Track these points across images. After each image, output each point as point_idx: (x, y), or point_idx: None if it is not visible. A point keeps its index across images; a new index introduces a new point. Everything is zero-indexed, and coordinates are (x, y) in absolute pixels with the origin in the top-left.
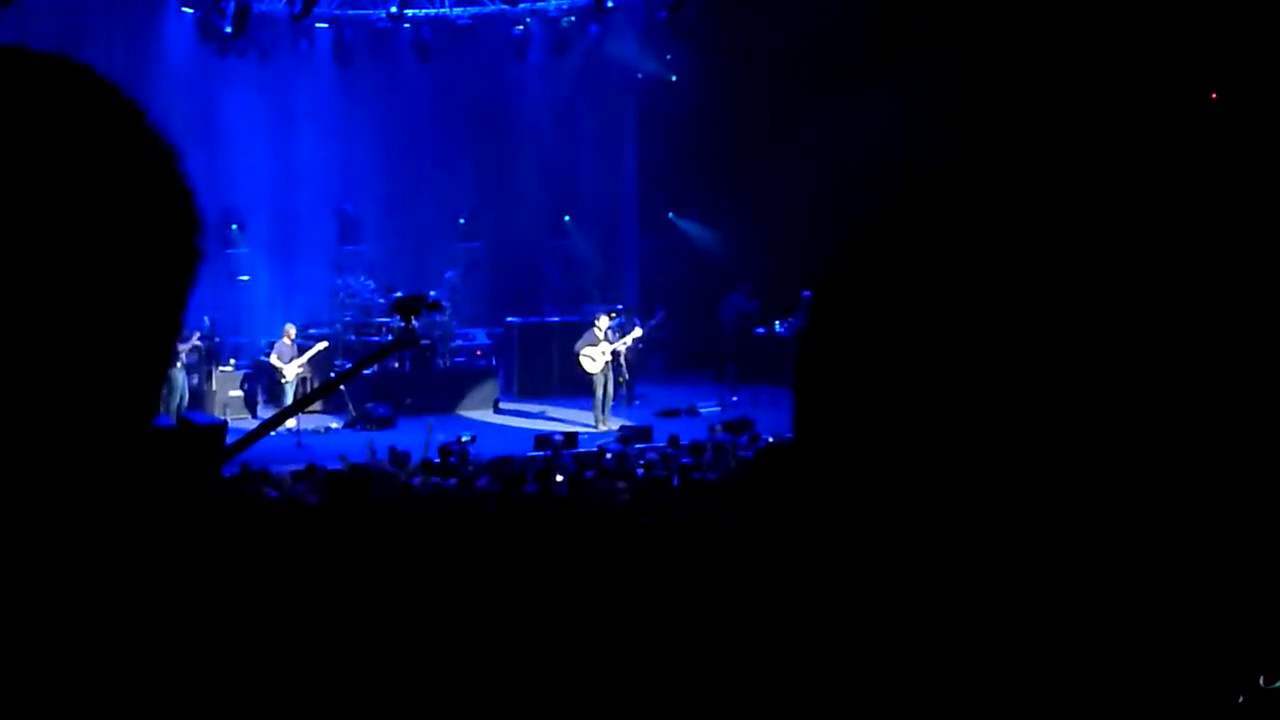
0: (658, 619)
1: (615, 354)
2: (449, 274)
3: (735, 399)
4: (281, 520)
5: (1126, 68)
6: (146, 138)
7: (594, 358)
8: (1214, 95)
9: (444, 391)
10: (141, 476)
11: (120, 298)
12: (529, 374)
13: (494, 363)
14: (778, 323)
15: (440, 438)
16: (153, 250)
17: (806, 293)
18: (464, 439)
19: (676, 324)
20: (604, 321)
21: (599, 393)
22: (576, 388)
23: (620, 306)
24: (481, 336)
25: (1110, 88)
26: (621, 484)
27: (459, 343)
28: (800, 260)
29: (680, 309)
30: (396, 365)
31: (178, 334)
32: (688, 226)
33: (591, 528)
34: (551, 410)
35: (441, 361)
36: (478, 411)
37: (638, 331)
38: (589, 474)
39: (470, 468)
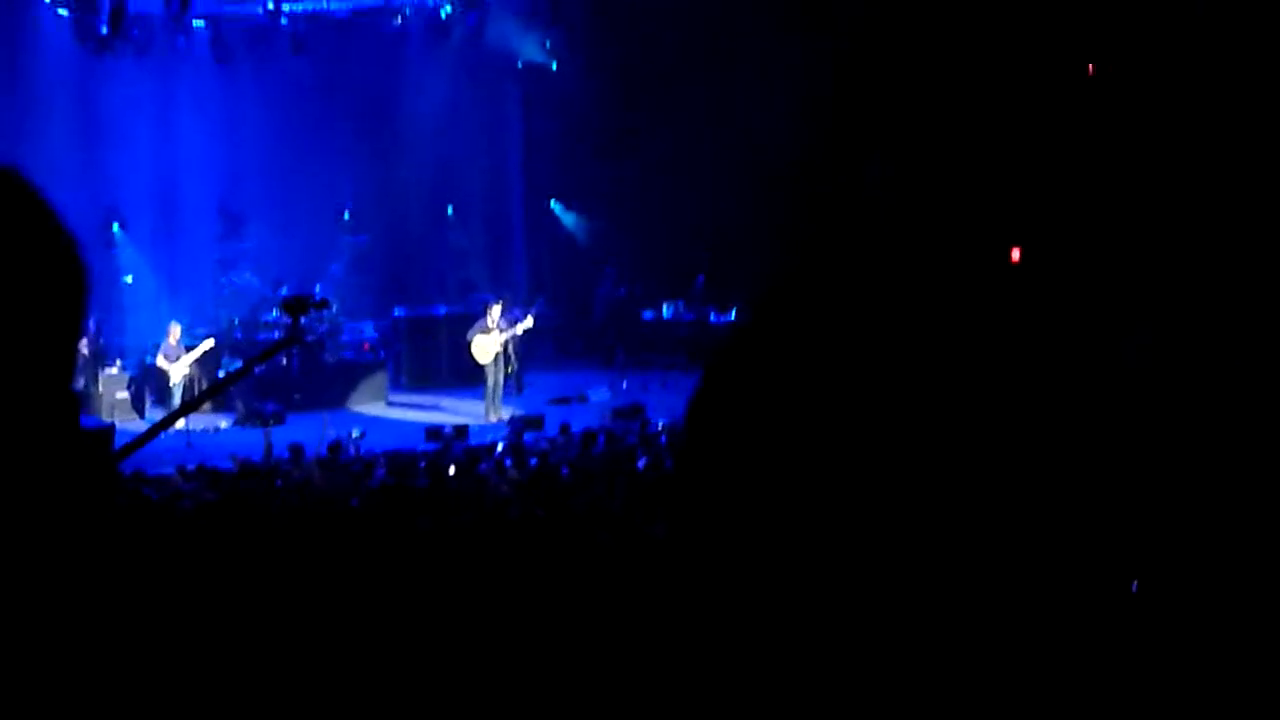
0: (556, 610)
1: (504, 343)
2: (334, 268)
3: (625, 385)
4: (167, 523)
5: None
6: (37, 209)
7: (486, 347)
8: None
9: (334, 386)
10: (38, 475)
11: (19, 320)
12: (418, 366)
13: (382, 355)
14: (665, 305)
15: (331, 433)
16: (43, 287)
17: (700, 278)
18: (355, 434)
19: (562, 311)
20: (496, 311)
21: (490, 382)
22: (467, 379)
23: (507, 295)
24: (369, 330)
25: (967, 70)
26: (514, 474)
27: (346, 337)
28: (683, 243)
29: (565, 296)
30: (284, 361)
31: (73, 343)
32: (563, 214)
33: (486, 521)
34: (443, 401)
35: (329, 357)
36: (368, 405)
37: (529, 321)
38: (482, 466)
39: (359, 464)
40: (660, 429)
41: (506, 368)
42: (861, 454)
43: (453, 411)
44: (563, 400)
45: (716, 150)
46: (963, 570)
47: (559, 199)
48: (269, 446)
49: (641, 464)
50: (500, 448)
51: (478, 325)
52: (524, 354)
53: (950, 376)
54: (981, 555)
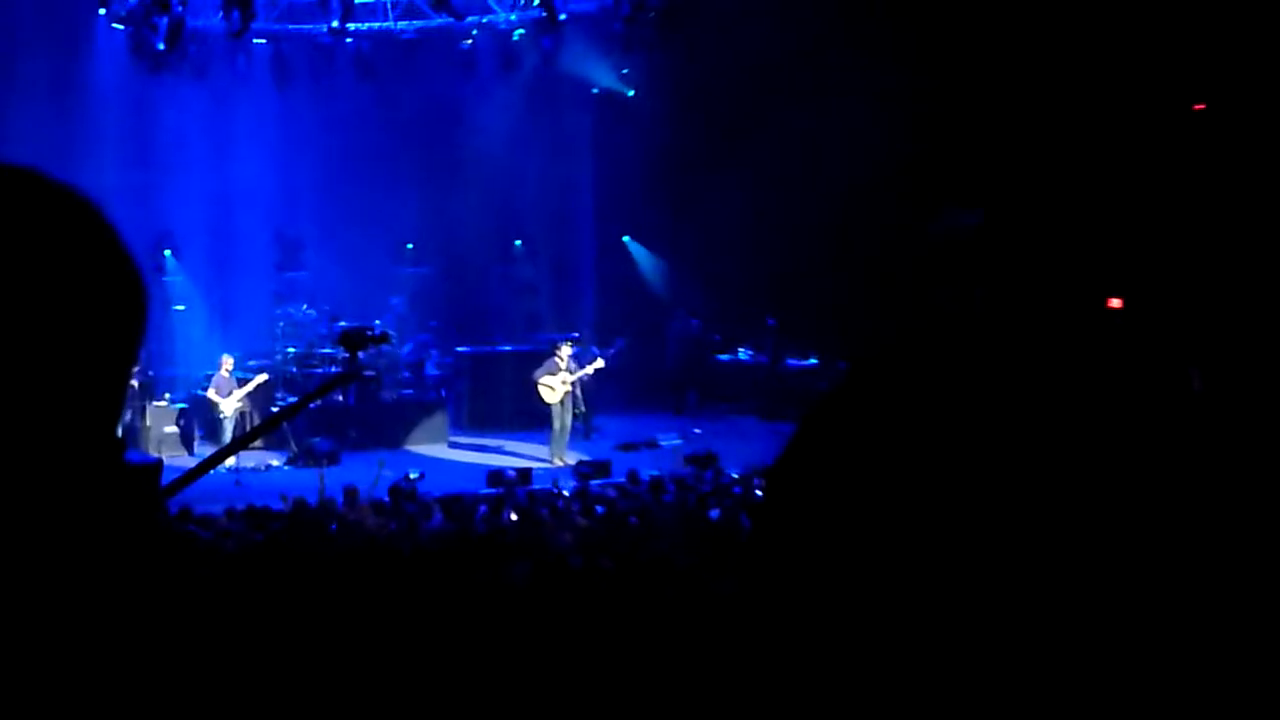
0: (623, 662)
1: (573, 384)
2: (395, 301)
3: (698, 430)
4: (215, 565)
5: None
6: (103, 234)
7: (554, 388)
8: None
9: (391, 426)
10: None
11: (77, 346)
12: (481, 406)
13: (444, 394)
14: (741, 349)
15: (389, 474)
16: (103, 313)
17: (771, 320)
18: (412, 476)
19: (634, 352)
20: (565, 350)
21: (557, 425)
22: (531, 420)
23: (577, 335)
24: (430, 367)
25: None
26: (580, 521)
27: (406, 374)
28: (758, 284)
29: (637, 336)
30: (340, 398)
31: (128, 373)
32: (637, 251)
33: (547, 570)
34: (506, 444)
35: (388, 394)
36: (427, 446)
37: (600, 362)
38: (543, 511)
39: (415, 505)
40: (734, 479)
41: (574, 410)
42: (964, 555)
43: (516, 454)
44: (632, 446)
45: (796, 188)
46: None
47: (632, 234)
48: (322, 487)
49: (714, 515)
50: (565, 494)
51: (546, 365)
52: (592, 396)
53: (1078, 472)
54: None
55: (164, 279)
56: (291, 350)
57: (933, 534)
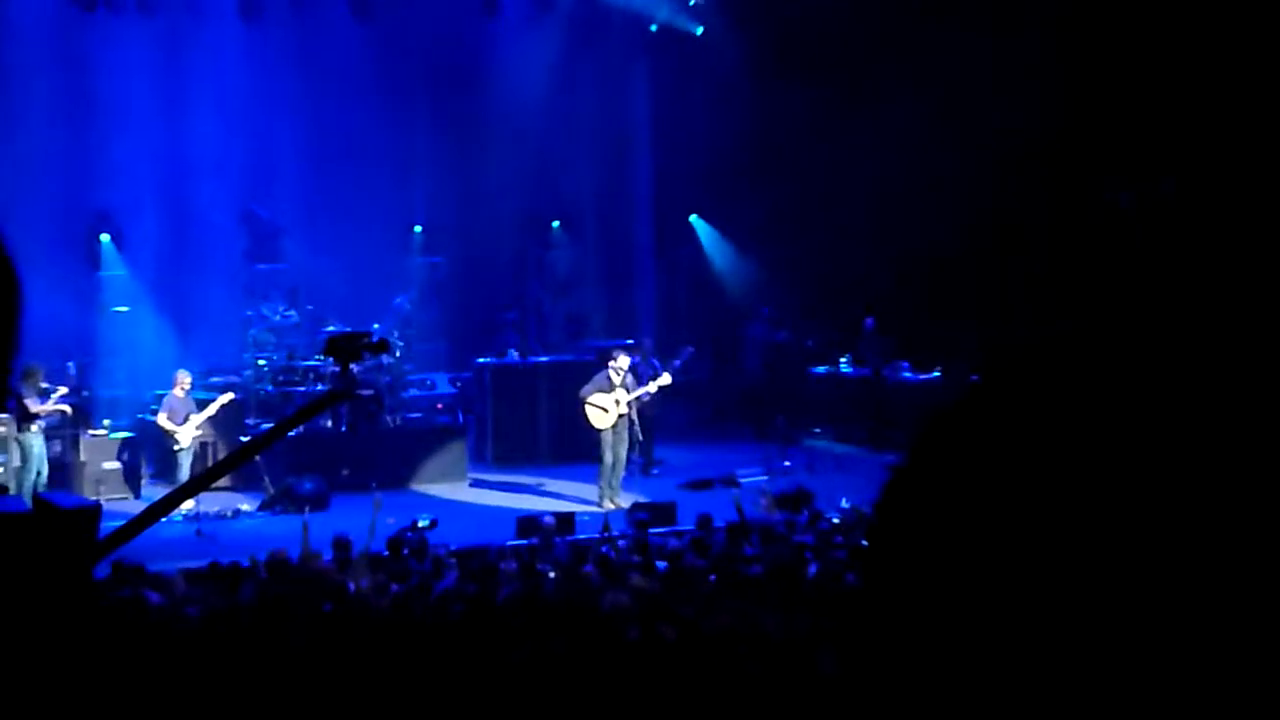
0: None
1: (631, 405)
2: (399, 300)
3: (788, 463)
4: (169, 639)
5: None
6: None
7: (605, 409)
8: None
9: (394, 459)
10: None
11: None
12: (510, 433)
13: (461, 419)
14: (842, 360)
15: (390, 521)
16: None
17: (870, 321)
18: (421, 523)
19: (704, 364)
20: (621, 361)
21: (608, 458)
22: (574, 451)
23: (634, 341)
24: (444, 383)
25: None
26: (636, 580)
27: (414, 393)
28: (855, 276)
29: (708, 343)
30: (329, 424)
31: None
32: (707, 233)
33: (594, 644)
34: (543, 482)
35: (390, 419)
36: (440, 485)
37: (665, 377)
38: (588, 568)
39: (425, 561)
40: (835, 524)
41: (630, 439)
42: (1127, 609)
43: (555, 495)
44: (703, 484)
45: (902, 159)
46: None
47: (700, 213)
48: (305, 539)
49: (811, 571)
50: (618, 545)
51: (595, 380)
52: (653, 420)
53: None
54: None
55: (99, 274)
56: (266, 363)
57: (1092, 606)
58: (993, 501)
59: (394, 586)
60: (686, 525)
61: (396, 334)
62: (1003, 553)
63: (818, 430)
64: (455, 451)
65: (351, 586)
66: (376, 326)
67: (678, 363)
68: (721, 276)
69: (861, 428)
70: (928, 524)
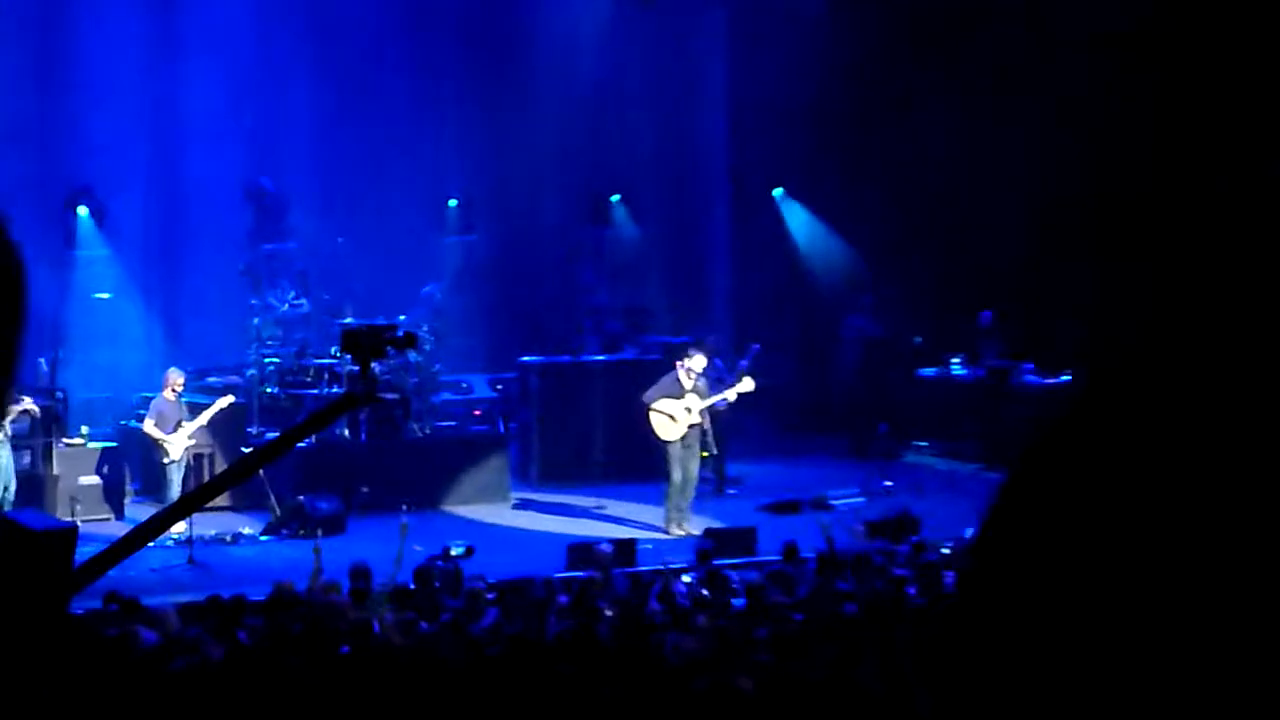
0: None
1: (704, 414)
2: (429, 288)
3: (889, 483)
4: (162, 681)
5: None
6: None
7: (675, 418)
8: None
9: (423, 475)
10: None
11: None
12: (560, 445)
13: (502, 428)
14: (954, 361)
15: (418, 549)
16: None
17: (986, 315)
18: (454, 551)
19: (787, 363)
20: (697, 361)
21: (676, 475)
22: (635, 468)
23: (710, 338)
24: (482, 386)
25: None
26: (706, 621)
27: (446, 396)
28: (988, 262)
29: (792, 340)
30: (347, 434)
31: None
32: (793, 212)
33: (656, 695)
34: (595, 503)
35: (418, 427)
36: (478, 506)
37: (748, 383)
38: (654, 607)
39: (459, 595)
40: (945, 555)
41: (703, 452)
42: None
43: (614, 519)
44: (788, 506)
45: (1024, 129)
46: None
47: (786, 189)
48: (317, 568)
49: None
50: (687, 579)
51: (663, 384)
52: (728, 431)
53: None
54: None
55: (74, 252)
56: (272, 361)
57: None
58: (1118, 522)
59: (422, 625)
60: (768, 555)
61: (426, 327)
62: (1132, 581)
63: (925, 444)
64: (495, 466)
65: (376, 625)
66: (403, 318)
67: (744, 362)
68: (810, 261)
69: (977, 441)
70: (1044, 548)
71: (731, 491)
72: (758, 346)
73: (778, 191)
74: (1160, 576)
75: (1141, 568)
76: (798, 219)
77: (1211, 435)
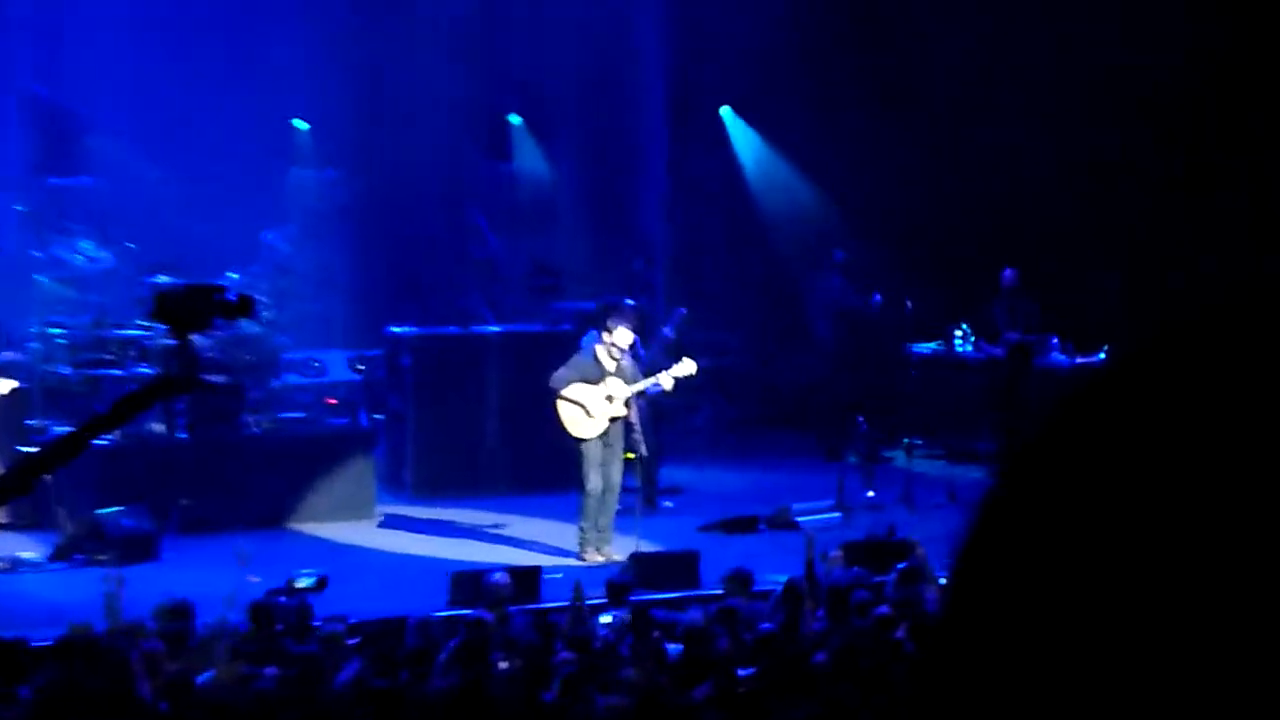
0: None
1: (632, 403)
2: (271, 236)
3: (872, 493)
4: None
5: None
6: None
7: (592, 408)
8: None
9: (262, 483)
10: None
11: None
12: (440, 445)
13: (367, 421)
14: (958, 333)
15: (255, 580)
16: None
17: (1009, 274)
18: (302, 583)
19: (741, 338)
20: (621, 335)
21: (594, 483)
22: (539, 474)
23: (636, 303)
24: (340, 366)
25: None
26: (633, 674)
27: (294, 379)
28: (979, 209)
29: (746, 308)
30: (161, 429)
31: None
32: (745, 138)
33: None
34: (489, 519)
35: (256, 420)
36: (334, 524)
37: (689, 365)
38: (562, 655)
39: (312, 640)
40: (942, 589)
41: (628, 454)
42: None
43: (512, 541)
44: (740, 524)
45: (1046, 57)
46: None
47: (736, 107)
48: (113, 605)
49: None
50: (608, 619)
51: (575, 361)
52: (662, 426)
53: None
54: None
55: None
56: (61, 332)
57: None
58: (1123, 527)
59: (261, 678)
60: (712, 589)
61: (265, 288)
62: (1139, 598)
63: (918, 441)
64: (356, 472)
65: (199, 679)
66: (235, 277)
67: (667, 329)
68: (768, 206)
69: (987, 439)
70: (1043, 555)
71: (666, 504)
72: (684, 310)
73: (725, 110)
74: (1168, 591)
75: (1146, 582)
76: (752, 150)
77: (1219, 440)
